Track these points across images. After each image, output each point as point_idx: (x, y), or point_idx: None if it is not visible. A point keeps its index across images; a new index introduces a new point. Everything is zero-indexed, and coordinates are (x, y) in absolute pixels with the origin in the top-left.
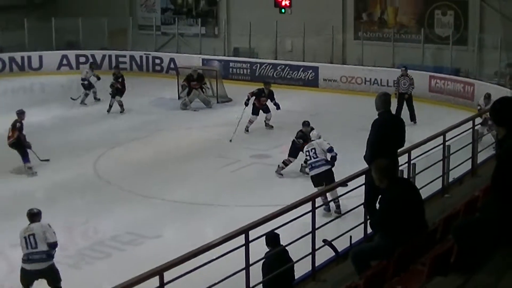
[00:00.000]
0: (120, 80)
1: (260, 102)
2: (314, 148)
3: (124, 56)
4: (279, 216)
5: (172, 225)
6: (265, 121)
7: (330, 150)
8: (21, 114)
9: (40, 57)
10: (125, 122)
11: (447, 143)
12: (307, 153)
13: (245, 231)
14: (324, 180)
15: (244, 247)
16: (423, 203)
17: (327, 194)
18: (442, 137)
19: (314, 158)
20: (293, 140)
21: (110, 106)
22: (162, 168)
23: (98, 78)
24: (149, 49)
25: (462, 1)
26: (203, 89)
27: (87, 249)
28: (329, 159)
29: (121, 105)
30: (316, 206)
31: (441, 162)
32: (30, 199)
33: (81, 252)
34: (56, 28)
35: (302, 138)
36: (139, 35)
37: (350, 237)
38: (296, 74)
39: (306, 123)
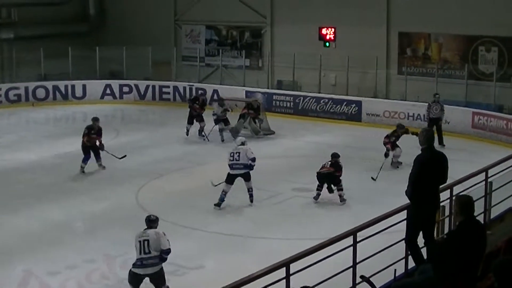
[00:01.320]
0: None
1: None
2: (239, 153)
3: (168, 86)
4: (320, 250)
5: (214, 256)
6: None
7: (253, 159)
8: (95, 121)
9: (84, 86)
10: (168, 152)
11: (489, 180)
12: (232, 155)
13: (286, 264)
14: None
15: (284, 280)
16: (484, 251)
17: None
18: (484, 173)
19: (237, 160)
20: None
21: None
22: (204, 200)
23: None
24: (192, 80)
25: (506, 38)
26: (255, 121)
27: (127, 280)
28: (248, 164)
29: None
30: (358, 240)
31: (483, 198)
32: (68, 227)
33: (123, 282)
34: (100, 57)
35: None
36: (183, 66)
37: (395, 270)
38: (339, 108)
39: (335, 155)
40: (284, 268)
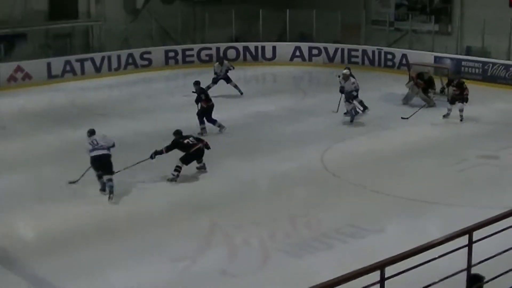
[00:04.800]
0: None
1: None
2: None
3: (357, 50)
4: (503, 219)
5: (395, 221)
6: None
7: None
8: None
9: (274, 48)
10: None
11: None
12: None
13: (469, 231)
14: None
15: (467, 247)
16: None
17: None
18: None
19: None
20: None
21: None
22: (387, 164)
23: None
24: (381, 44)
25: None
26: (427, 92)
27: (310, 240)
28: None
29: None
30: None
31: None
32: (253, 185)
33: (305, 242)
34: (290, 19)
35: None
36: (372, 30)
37: None
38: None
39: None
40: (467, 235)
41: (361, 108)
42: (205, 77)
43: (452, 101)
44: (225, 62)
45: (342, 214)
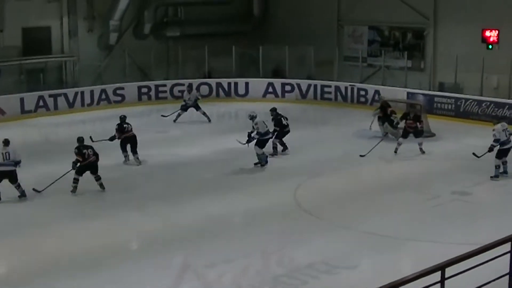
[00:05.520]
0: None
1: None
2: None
3: (329, 86)
4: (476, 255)
5: (368, 257)
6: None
7: None
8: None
9: (247, 84)
10: (327, 152)
11: None
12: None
13: (441, 267)
14: None
15: (439, 284)
16: None
17: None
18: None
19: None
20: None
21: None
22: (360, 200)
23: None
24: (354, 80)
25: None
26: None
27: (282, 276)
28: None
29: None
30: None
31: None
32: (226, 222)
33: (277, 279)
34: (263, 56)
35: None
36: (344, 66)
37: None
38: (501, 112)
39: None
40: (440, 271)
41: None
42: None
43: (404, 135)
44: (194, 90)
45: (315, 250)
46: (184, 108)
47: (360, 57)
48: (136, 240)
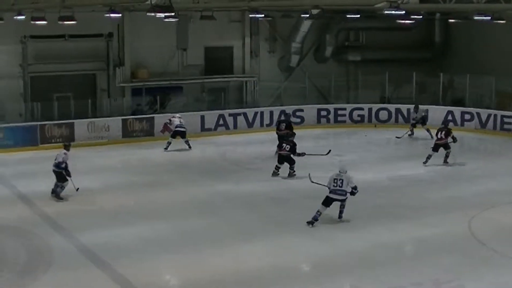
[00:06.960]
0: None
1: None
2: (342, 179)
3: (510, 117)
4: None
5: None
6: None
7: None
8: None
9: (426, 111)
10: (503, 184)
11: None
12: (335, 181)
13: None
14: None
15: None
16: None
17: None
18: None
19: (340, 187)
20: None
21: None
22: None
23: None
24: None
25: None
26: None
27: None
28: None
29: None
30: None
31: None
32: (396, 250)
33: None
34: (443, 83)
35: None
36: None
37: None
38: None
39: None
40: None
41: None
42: (355, 138)
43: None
44: (420, 107)
45: (487, 283)
46: (413, 125)
47: None
48: (304, 264)
